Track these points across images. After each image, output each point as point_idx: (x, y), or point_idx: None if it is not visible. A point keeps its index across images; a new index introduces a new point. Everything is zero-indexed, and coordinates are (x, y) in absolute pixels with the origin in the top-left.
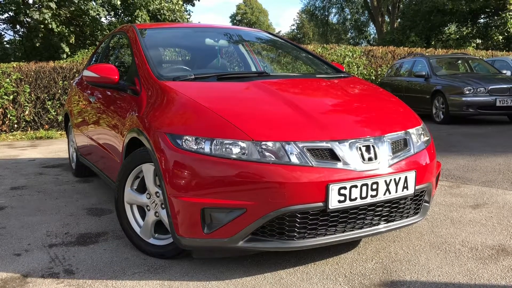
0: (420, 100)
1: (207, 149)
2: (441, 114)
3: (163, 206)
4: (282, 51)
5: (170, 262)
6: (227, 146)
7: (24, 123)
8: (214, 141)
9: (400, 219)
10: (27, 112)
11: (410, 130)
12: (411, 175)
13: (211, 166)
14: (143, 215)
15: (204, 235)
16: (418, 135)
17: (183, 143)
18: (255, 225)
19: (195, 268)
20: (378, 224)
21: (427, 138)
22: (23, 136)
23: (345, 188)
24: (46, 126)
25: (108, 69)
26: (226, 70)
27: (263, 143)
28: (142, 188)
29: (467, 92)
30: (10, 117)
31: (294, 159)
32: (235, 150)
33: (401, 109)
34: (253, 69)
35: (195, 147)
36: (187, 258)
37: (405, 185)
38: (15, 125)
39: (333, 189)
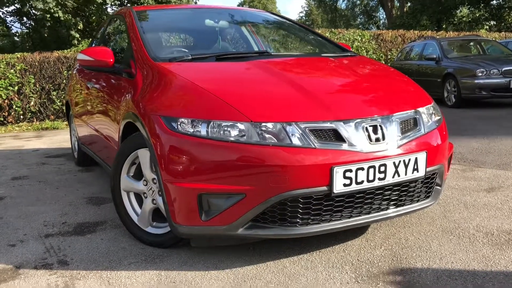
0: (431, 83)
1: (203, 132)
2: (452, 98)
3: (160, 193)
4: (286, 31)
5: (169, 251)
6: (225, 128)
7: (29, 114)
8: (211, 123)
9: (410, 203)
10: (32, 103)
11: (421, 109)
12: (422, 156)
13: (208, 149)
14: (140, 203)
15: (201, 223)
16: (429, 115)
17: (179, 126)
18: (255, 211)
19: (194, 257)
20: (387, 208)
21: (439, 117)
22: (29, 127)
23: (350, 171)
24: (52, 116)
25: (102, 52)
26: (226, 51)
27: (263, 124)
28: (138, 175)
29: (480, 74)
30: (16, 108)
31: (296, 141)
32: (233, 132)
33: (411, 88)
34: (256, 49)
35: (191, 130)
36: (186, 246)
37: (415, 167)
38: (21, 116)
39: (338, 172)
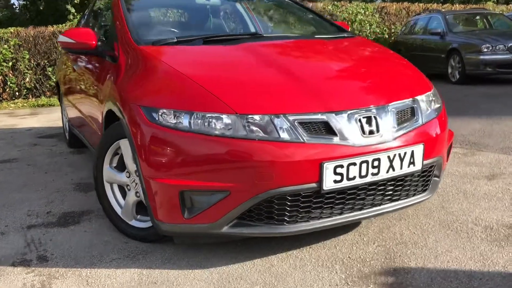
0: (435, 59)
1: (185, 124)
2: (457, 74)
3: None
4: (283, 9)
5: (153, 247)
6: (209, 120)
7: (25, 90)
8: (194, 115)
9: (406, 198)
10: (27, 79)
11: (419, 97)
12: (419, 149)
13: (190, 143)
14: (124, 194)
15: (184, 220)
16: (428, 102)
17: (159, 117)
18: (241, 209)
19: (178, 254)
20: (381, 204)
21: (438, 105)
22: (24, 104)
23: (341, 166)
24: (48, 93)
25: (84, 33)
26: (219, 31)
27: (249, 116)
28: (122, 166)
29: (485, 50)
30: (10, 85)
31: (284, 135)
32: (218, 125)
33: (409, 73)
34: (252, 29)
35: (173, 122)
36: (171, 241)
37: (412, 161)
38: (16, 93)
39: (328, 168)
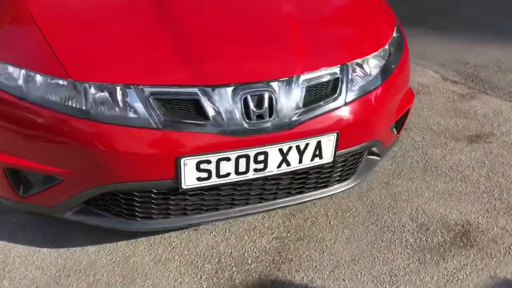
0: None
1: (11, 84)
2: None
3: None
4: None
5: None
6: (38, 84)
7: None
8: (22, 73)
9: (313, 190)
10: None
11: (352, 63)
12: (328, 140)
13: (11, 111)
14: None
15: (20, 198)
16: (368, 66)
17: None
18: (77, 199)
19: (26, 227)
20: (275, 198)
21: (388, 65)
22: None
23: (208, 162)
24: None
25: None
26: None
27: (86, 85)
28: None
29: None
30: None
31: (132, 115)
32: (49, 93)
33: (357, 16)
34: None
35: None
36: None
37: (317, 153)
38: None
39: (188, 164)
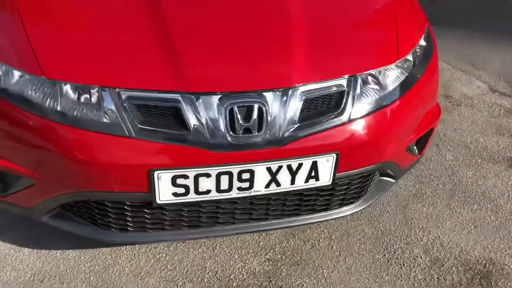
0: None
1: None
2: None
3: None
4: None
5: None
6: (10, 79)
7: None
8: (2, 69)
9: (310, 213)
10: None
11: (363, 74)
12: (326, 160)
13: None
14: None
15: (1, 197)
16: (384, 79)
17: None
18: (50, 205)
19: (15, 226)
20: (266, 219)
21: (408, 76)
22: None
23: (186, 177)
24: None
25: None
26: None
27: (59, 84)
28: None
29: None
30: None
31: (105, 119)
32: (24, 90)
33: (378, 21)
34: None
35: None
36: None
37: (313, 174)
38: None
39: (162, 178)
